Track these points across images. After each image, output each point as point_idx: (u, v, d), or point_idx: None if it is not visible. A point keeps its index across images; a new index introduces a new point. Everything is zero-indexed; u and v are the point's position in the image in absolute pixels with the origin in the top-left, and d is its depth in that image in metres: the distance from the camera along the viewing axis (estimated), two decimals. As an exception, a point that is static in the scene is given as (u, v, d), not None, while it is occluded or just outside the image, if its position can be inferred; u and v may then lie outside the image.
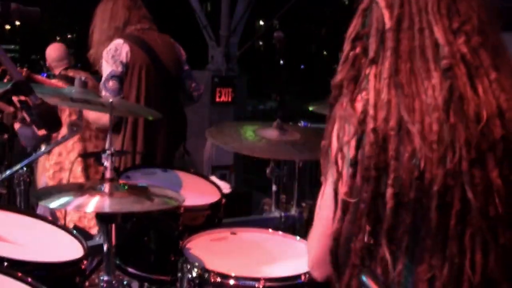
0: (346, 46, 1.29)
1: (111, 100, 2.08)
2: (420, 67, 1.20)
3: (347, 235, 1.23)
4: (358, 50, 1.27)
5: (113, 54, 3.15)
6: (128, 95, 3.17)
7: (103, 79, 3.16)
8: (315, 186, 1.84)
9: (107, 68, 3.15)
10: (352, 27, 1.30)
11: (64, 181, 3.94)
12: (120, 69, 3.15)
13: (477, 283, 1.16)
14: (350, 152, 1.21)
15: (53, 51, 4.41)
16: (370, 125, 1.19)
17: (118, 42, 3.19)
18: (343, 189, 1.22)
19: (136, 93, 3.18)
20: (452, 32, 1.21)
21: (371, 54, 1.24)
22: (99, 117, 3.15)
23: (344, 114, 1.23)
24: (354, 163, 1.20)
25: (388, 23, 1.22)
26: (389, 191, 1.16)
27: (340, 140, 1.23)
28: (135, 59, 3.18)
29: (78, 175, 3.88)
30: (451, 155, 1.15)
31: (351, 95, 1.24)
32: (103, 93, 3.13)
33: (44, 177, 4.05)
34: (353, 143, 1.20)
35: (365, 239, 1.19)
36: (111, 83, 3.13)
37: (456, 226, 1.15)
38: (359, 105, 1.22)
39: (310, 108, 3.13)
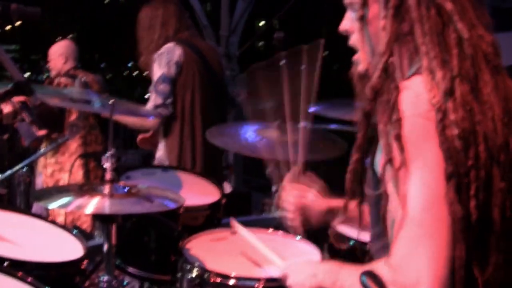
0: (386, 51, 1.22)
1: (112, 102, 2.08)
2: (477, 64, 1.20)
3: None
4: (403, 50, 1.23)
5: (166, 57, 3.13)
6: (183, 95, 3.16)
7: (153, 82, 3.14)
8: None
9: (158, 71, 3.13)
10: (389, 29, 1.23)
11: (62, 182, 3.94)
12: (172, 71, 3.13)
13: None
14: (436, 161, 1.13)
15: (74, 46, 4.30)
16: (455, 131, 1.13)
17: (170, 45, 3.17)
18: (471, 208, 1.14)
19: (191, 94, 3.18)
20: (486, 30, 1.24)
21: (432, 52, 1.19)
22: (139, 123, 3.17)
23: (418, 119, 1.15)
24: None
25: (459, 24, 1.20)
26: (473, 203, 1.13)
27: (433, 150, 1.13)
28: (188, 61, 3.17)
29: (79, 179, 3.88)
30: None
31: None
32: (153, 96, 3.11)
33: (42, 176, 4.04)
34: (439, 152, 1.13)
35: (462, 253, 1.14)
36: (162, 86, 3.11)
37: None
38: (425, 105, 1.15)
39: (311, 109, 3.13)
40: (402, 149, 1.14)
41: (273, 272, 1.85)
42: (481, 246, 1.17)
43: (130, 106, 2.69)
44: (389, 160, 1.16)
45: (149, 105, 3.11)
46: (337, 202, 1.73)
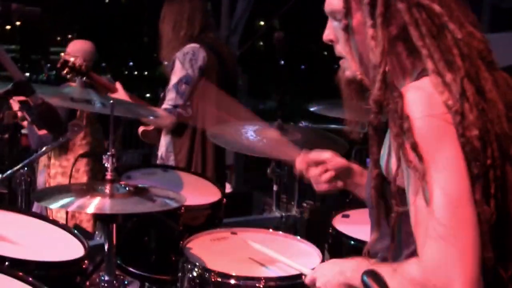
0: (382, 61, 1.20)
1: (112, 101, 2.08)
2: (475, 62, 1.20)
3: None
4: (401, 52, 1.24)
5: (191, 58, 3.11)
6: (200, 98, 3.15)
7: (175, 81, 3.11)
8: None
9: (181, 71, 3.11)
10: (381, 37, 1.21)
11: None
12: (196, 74, 3.12)
13: None
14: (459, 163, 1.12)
15: (93, 48, 4.19)
16: (474, 131, 1.13)
17: (195, 46, 3.15)
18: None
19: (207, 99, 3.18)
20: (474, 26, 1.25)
21: (436, 55, 1.18)
22: (155, 121, 3.17)
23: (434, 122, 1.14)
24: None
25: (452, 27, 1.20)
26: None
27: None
28: (210, 66, 3.17)
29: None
30: None
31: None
32: (173, 95, 3.09)
33: (45, 175, 4.03)
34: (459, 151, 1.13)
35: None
36: (184, 87, 3.10)
37: None
38: (441, 109, 1.15)
39: (311, 109, 3.15)
40: (420, 158, 1.12)
41: (273, 272, 1.86)
42: (502, 245, 1.17)
43: (145, 107, 2.69)
44: (407, 169, 1.15)
45: (168, 104, 3.09)
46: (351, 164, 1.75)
